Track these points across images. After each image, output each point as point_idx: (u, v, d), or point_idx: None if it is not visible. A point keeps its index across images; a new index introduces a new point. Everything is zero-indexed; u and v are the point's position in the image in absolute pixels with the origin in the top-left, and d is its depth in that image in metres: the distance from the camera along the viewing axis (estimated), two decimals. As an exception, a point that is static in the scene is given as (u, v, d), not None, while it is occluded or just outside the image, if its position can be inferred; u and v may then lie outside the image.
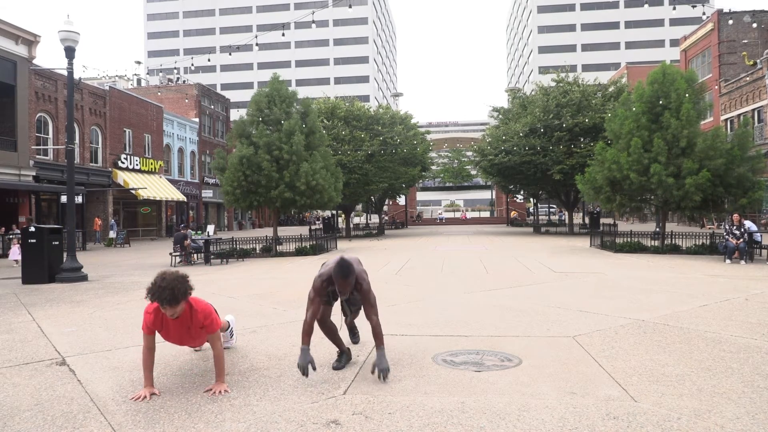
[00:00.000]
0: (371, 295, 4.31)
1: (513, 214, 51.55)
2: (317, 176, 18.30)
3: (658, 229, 19.89)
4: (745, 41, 33.05)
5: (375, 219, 53.58)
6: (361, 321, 5.06)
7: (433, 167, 54.81)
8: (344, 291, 4.14)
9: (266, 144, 18.20)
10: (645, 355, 4.83)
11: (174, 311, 3.78)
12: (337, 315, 4.85)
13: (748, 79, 29.71)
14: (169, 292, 3.66)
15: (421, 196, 72.97)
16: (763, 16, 32.78)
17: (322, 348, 5.30)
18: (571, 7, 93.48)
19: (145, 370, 3.99)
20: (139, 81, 46.84)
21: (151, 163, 35.05)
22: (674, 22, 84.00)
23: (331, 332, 4.64)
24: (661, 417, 3.40)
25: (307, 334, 4.17)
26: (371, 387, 4.09)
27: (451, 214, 69.34)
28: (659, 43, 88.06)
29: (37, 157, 25.52)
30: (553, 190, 32.28)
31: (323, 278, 4.26)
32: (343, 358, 4.71)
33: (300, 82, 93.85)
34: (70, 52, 12.43)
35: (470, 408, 3.60)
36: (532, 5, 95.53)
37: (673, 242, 16.80)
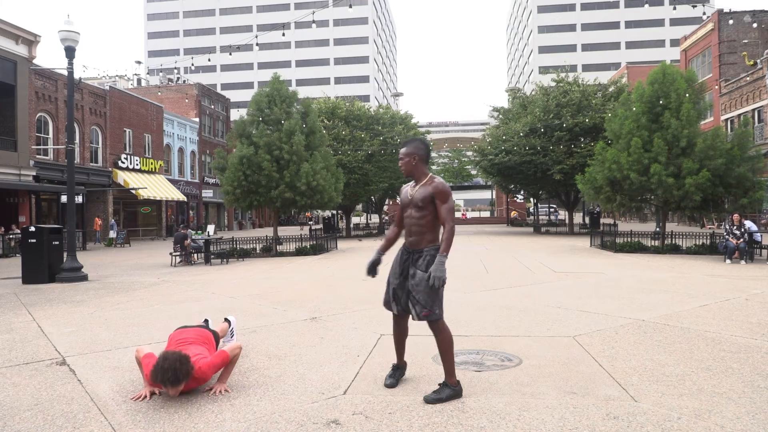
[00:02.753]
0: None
1: (513, 213, 51.54)
2: (317, 176, 18.29)
3: (658, 229, 19.89)
4: (746, 41, 33.04)
5: (375, 219, 53.58)
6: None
7: (434, 167, 54.95)
8: None
9: (266, 144, 18.19)
10: (645, 355, 4.83)
11: (176, 391, 3.75)
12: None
13: (748, 79, 29.70)
14: (172, 373, 3.64)
15: (421, 195, 72.83)
16: (763, 16, 32.76)
17: (322, 347, 5.30)
18: (571, 7, 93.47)
19: (142, 370, 4.00)
20: (139, 81, 46.84)
21: (151, 163, 35.06)
22: (674, 22, 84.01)
23: (400, 334, 4.11)
24: (661, 417, 3.40)
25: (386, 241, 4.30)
26: (371, 387, 4.09)
27: (451, 214, 69.16)
28: (659, 43, 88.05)
29: (37, 157, 25.52)
30: (553, 190, 32.29)
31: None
32: (398, 372, 4.18)
33: (300, 82, 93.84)
34: (70, 52, 12.43)
35: (470, 408, 3.60)
36: (532, 5, 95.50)
37: (673, 242, 16.81)
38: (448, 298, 8.17)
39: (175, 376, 3.64)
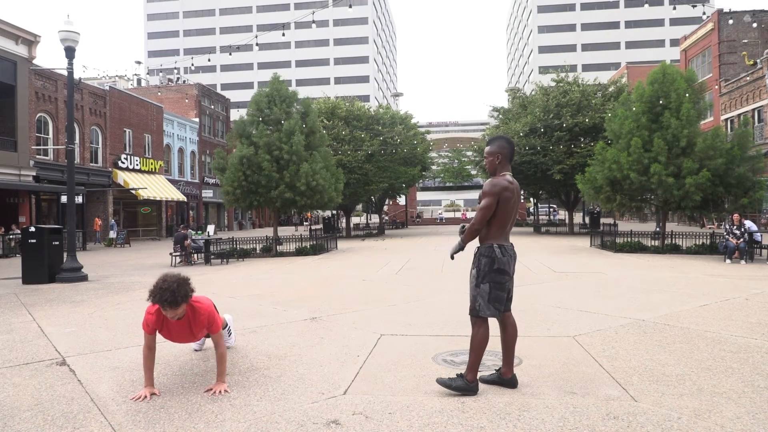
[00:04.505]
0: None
1: (513, 213, 51.43)
2: (317, 176, 18.29)
3: (658, 229, 19.89)
4: (745, 41, 33.03)
5: (375, 219, 53.59)
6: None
7: (433, 167, 54.84)
8: None
9: (266, 144, 18.19)
10: (645, 355, 4.83)
11: (175, 313, 3.80)
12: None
13: (748, 78, 29.70)
14: (170, 294, 3.68)
15: (421, 195, 73.00)
16: (763, 15, 32.76)
17: (322, 347, 5.30)
18: (571, 7, 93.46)
19: (145, 370, 3.99)
20: (139, 81, 46.83)
21: (151, 163, 35.05)
22: (674, 21, 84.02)
23: (508, 339, 4.03)
24: (661, 417, 3.40)
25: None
26: (371, 387, 4.09)
27: (451, 214, 69.35)
28: (659, 43, 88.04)
29: (37, 157, 25.52)
30: (553, 190, 32.27)
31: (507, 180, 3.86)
32: (499, 380, 4.04)
33: (300, 82, 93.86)
34: (70, 52, 12.43)
35: (470, 408, 3.60)
36: (532, 5, 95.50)
37: (674, 242, 16.81)
38: (448, 299, 8.20)
39: (174, 297, 3.67)
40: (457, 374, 3.94)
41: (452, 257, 4.03)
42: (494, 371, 4.16)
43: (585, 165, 21.32)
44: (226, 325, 5.25)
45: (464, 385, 3.82)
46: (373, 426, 3.33)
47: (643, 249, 16.74)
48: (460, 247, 3.97)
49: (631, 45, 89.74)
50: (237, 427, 3.35)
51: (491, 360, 4.76)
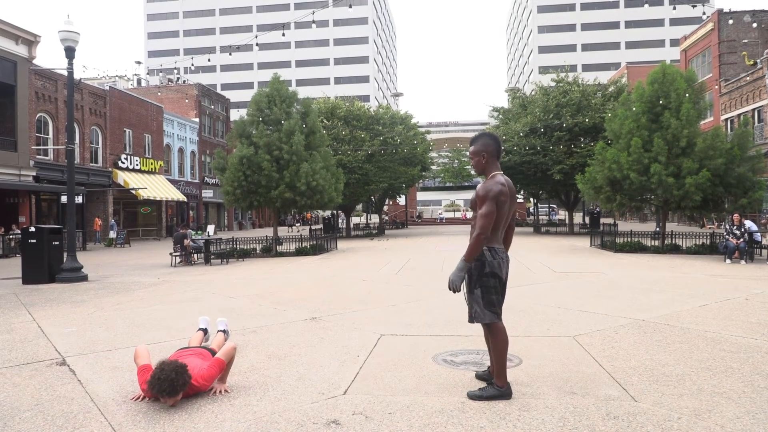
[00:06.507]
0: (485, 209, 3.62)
1: (513, 213, 51.50)
2: (317, 176, 18.29)
3: (658, 229, 19.90)
4: (746, 41, 33.03)
5: (375, 219, 53.60)
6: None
7: (433, 167, 54.82)
8: None
9: (266, 144, 18.19)
10: (645, 355, 4.83)
11: (174, 401, 3.71)
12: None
13: (748, 78, 29.70)
14: (168, 384, 3.60)
15: (421, 195, 72.98)
16: (763, 15, 32.76)
17: (322, 348, 5.30)
18: (571, 7, 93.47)
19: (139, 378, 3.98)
20: (139, 81, 46.79)
21: (151, 163, 35.04)
22: (674, 21, 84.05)
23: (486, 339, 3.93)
24: (661, 417, 3.40)
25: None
26: (371, 387, 4.09)
27: (451, 214, 69.31)
28: (659, 43, 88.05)
29: (37, 157, 25.51)
30: (553, 190, 32.28)
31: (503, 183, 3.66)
32: (487, 372, 4.07)
33: (300, 82, 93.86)
34: (70, 52, 12.43)
35: (470, 408, 3.60)
36: (532, 5, 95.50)
37: (674, 242, 16.81)
38: (448, 299, 8.19)
39: (172, 387, 3.61)
40: (487, 384, 3.89)
41: (459, 289, 3.61)
42: (487, 368, 4.16)
43: (585, 165, 21.32)
44: (225, 335, 5.19)
45: (497, 392, 3.73)
46: (373, 426, 3.33)
47: (643, 249, 16.74)
48: (467, 267, 3.64)
49: (631, 45, 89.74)
50: (237, 427, 3.35)
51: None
